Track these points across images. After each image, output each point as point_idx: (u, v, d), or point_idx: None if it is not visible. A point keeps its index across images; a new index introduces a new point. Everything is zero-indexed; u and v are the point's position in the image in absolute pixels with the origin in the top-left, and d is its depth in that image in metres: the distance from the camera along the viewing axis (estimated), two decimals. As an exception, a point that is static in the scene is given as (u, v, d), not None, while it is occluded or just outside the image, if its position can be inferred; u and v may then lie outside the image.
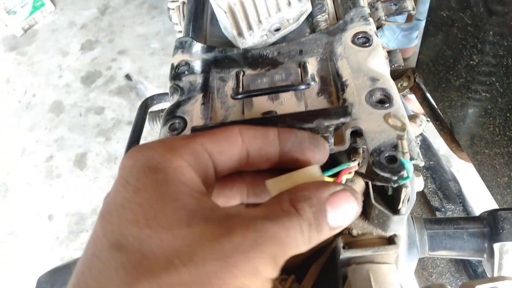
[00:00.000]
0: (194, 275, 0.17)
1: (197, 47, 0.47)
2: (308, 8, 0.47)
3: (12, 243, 1.81)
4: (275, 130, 0.26)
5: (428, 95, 0.88)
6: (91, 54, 2.46)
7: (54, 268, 0.52)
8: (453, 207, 0.84)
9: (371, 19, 0.45)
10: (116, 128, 2.10)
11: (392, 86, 0.38)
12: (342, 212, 0.22)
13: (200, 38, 0.53)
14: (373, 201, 0.36)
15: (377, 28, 1.63)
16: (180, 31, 0.72)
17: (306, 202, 0.21)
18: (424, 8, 1.24)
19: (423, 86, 0.90)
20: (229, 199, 0.27)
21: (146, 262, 0.17)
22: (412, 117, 0.43)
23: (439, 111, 0.84)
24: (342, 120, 0.29)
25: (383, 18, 0.51)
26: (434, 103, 0.86)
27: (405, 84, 0.95)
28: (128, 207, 0.19)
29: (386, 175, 0.32)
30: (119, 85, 2.27)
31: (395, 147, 0.32)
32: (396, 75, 1.04)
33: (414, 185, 0.36)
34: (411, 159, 0.32)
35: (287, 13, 0.47)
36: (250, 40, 0.47)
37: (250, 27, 0.46)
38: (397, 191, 0.35)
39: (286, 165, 0.26)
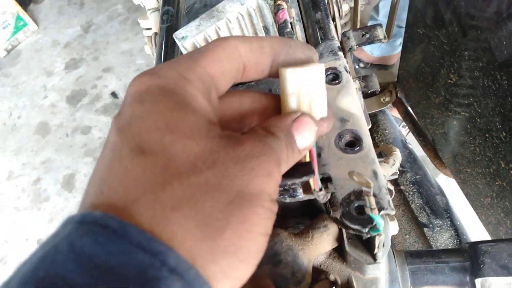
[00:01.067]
0: (219, 176, 0.19)
1: (166, 87, 0.46)
2: (277, 43, 0.46)
3: (1, 271, 1.78)
4: (269, 41, 0.26)
5: (411, 110, 0.88)
6: (76, 72, 2.44)
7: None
8: (440, 222, 0.84)
9: (340, 53, 0.44)
10: (103, 147, 2.08)
11: (362, 127, 0.37)
12: (305, 134, 0.24)
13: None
14: (347, 248, 0.35)
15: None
16: (154, 62, 0.71)
17: (277, 128, 0.23)
18: (405, 15, 1.24)
19: (405, 101, 0.89)
20: None
21: (172, 165, 0.18)
22: (386, 151, 0.42)
23: (421, 126, 0.83)
24: (305, 178, 0.28)
25: (355, 47, 0.50)
26: (416, 119, 0.86)
27: (387, 99, 0.95)
28: (148, 117, 0.19)
29: (356, 227, 0.31)
30: (105, 103, 2.25)
31: (360, 194, 0.32)
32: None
33: (388, 230, 0.35)
34: (382, 209, 0.31)
35: (256, 49, 0.46)
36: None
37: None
38: (371, 237, 0.34)
39: (276, 74, 0.26)
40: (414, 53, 0.79)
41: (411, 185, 0.90)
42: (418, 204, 0.87)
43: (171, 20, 0.60)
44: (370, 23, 1.86)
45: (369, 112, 1.02)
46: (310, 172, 0.27)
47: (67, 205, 1.91)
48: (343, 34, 0.52)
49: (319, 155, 0.36)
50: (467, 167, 0.65)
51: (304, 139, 0.24)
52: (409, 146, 0.99)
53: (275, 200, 0.21)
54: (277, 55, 0.26)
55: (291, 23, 0.50)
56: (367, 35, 0.51)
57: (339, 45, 0.46)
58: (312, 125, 0.25)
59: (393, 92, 0.93)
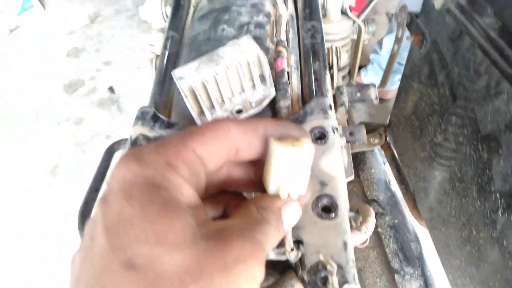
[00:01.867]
0: None
1: (158, 121, 0.47)
2: (272, 93, 0.47)
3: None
4: (263, 123, 0.27)
5: (397, 157, 0.90)
6: (76, 61, 2.44)
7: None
8: (412, 270, 0.85)
9: (331, 112, 0.45)
10: (93, 140, 2.07)
11: (340, 193, 0.38)
12: (291, 217, 0.26)
13: (166, 107, 0.53)
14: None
15: (361, 67, 1.66)
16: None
17: (269, 210, 0.25)
18: (406, 54, 1.26)
19: (392, 147, 0.91)
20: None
21: (160, 282, 0.19)
22: (362, 212, 0.43)
23: (405, 175, 0.85)
24: (275, 250, 0.29)
25: (347, 104, 0.51)
26: (401, 166, 0.87)
27: (376, 140, 0.97)
28: (137, 223, 0.20)
29: (319, 298, 0.32)
30: (102, 97, 2.24)
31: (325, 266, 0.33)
32: (370, 129, 1.05)
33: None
34: (346, 282, 0.32)
35: (251, 95, 0.47)
36: (212, 119, 0.47)
37: (212, 106, 0.46)
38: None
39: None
40: (406, 103, 0.82)
41: (389, 229, 0.92)
42: (392, 249, 0.89)
43: (174, 47, 0.61)
44: (372, 56, 1.89)
45: (357, 151, 1.04)
46: (281, 244, 0.28)
47: (48, 194, 1.90)
48: (337, 88, 0.53)
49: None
50: (441, 226, 0.67)
51: (290, 222, 0.26)
52: (392, 189, 1.01)
53: None
54: (271, 135, 0.27)
55: (288, 72, 0.52)
56: (359, 93, 0.52)
57: (331, 103, 0.47)
58: (298, 211, 0.27)
59: (382, 135, 0.95)
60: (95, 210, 0.22)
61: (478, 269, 0.56)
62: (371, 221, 0.41)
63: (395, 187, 1.05)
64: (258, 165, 0.29)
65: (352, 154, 1.08)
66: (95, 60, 2.43)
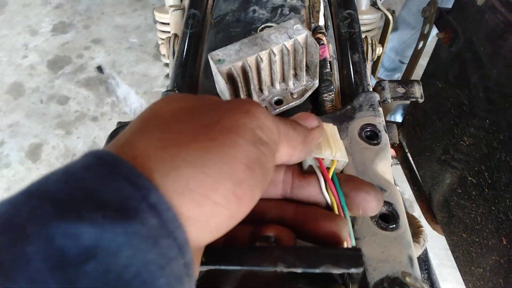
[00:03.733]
0: (211, 114, 0.21)
1: (187, 107, 0.42)
2: (315, 84, 0.43)
3: None
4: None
5: (410, 157, 0.87)
6: (62, 37, 2.31)
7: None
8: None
9: (381, 109, 0.41)
10: (78, 122, 1.97)
11: (399, 201, 0.35)
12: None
13: (189, 91, 0.48)
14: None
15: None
16: (167, 64, 0.66)
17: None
18: (409, 52, 1.23)
19: (405, 147, 0.88)
20: None
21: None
22: (416, 234, 0.40)
23: (419, 177, 0.82)
24: (353, 270, 0.25)
25: (389, 100, 0.48)
26: (415, 167, 0.85)
27: (387, 139, 0.94)
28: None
29: (388, 321, 0.28)
30: (89, 76, 2.14)
31: (400, 284, 0.29)
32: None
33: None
34: (416, 304, 0.29)
35: (292, 85, 0.43)
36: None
37: (249, 95, 0.42)
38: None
39: None
40: (427, 104, 0.78)
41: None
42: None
43: (197, 26, 0.55)
44: (372, 52, 1.86)
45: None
46: (360, 264, 0.24)
47: (29, 175, 1.80)
48: (378, 83, 0.49)
49: (352, 225, 0.33)
50: (463, 232, 0.65)
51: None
52: (397, 187, 0.99)
53: (264, 140, 0.21)
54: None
55: (330, 62, 0.47)
56: (403, 90, 0.48)
57: (379, 99, 0.43)
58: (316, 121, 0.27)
59: (394, 134, 0.92)
60: None
61: (507, 281, 0.54)
62: (425, 232, 0.37)
63: (402, 187, 1.02)
64: None
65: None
66: (84, 37, 2.31)
